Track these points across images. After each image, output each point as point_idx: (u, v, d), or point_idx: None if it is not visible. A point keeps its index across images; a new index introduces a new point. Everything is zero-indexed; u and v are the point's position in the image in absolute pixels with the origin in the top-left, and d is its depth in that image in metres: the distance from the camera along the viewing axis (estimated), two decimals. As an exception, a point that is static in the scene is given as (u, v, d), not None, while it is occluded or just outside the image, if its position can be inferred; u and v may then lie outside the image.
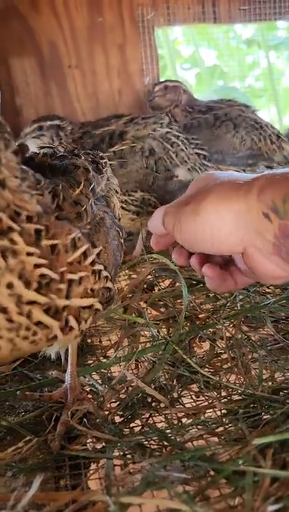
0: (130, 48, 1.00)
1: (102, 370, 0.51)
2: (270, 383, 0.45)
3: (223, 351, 0.52)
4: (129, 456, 0.36)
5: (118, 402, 0.45)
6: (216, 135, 0.93)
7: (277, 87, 1.45)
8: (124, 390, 0.46)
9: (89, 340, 0.57)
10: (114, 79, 1.02)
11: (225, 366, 0.49)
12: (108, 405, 0.44)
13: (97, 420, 0.41)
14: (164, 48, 1.28)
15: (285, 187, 0.31)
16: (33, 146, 0.85)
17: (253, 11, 1.02)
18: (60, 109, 1.00)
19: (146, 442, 0.38)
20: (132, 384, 0.46)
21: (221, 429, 0.39)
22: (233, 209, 0.33)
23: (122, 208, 0.78)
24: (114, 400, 0.45)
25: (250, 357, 0.50)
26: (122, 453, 0.37)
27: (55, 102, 1.01)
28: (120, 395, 0.46)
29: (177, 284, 0.72)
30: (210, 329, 0.57)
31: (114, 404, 0.45)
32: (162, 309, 0.64)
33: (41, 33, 0.97)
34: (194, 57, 1.45)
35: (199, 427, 0.39)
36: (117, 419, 0.43)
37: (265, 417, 0.40)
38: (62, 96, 1.01)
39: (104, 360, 0.52)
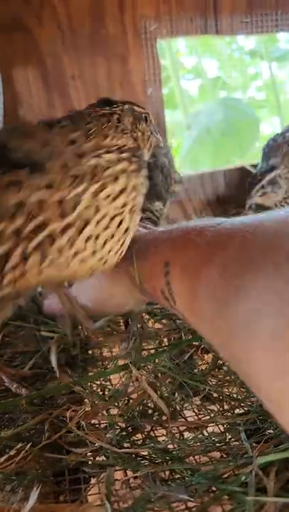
0: (133, 59, 1.01)
1: (103, 382, 0.50)
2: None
3: (226, 363, 0.52)
4: (129, 470, 0.36)
5: (119, 414, 0.44)
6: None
7: (280, 98, 1.45)
8: (125, 402, 0.46)
9: (90, 352, 0.56)
10: (117, 90, 1.02)
11: (228, 378, 0.49)
12: (108, 416, 0.44)
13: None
14: (166, 59, 1.28)
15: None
16: None
17: (254, 23, 1.03)
18: (63, 120, 1.01)
19: (147, 456, 0.37)
20: (132, 396, 0.46)
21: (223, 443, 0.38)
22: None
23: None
24: (114, 413, 0.45)
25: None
26: (122, 467, 0.36)
27: (57, 113, 1.02)
28: (120, 406, 0.45)
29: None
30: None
31: (113, 416, 0.44)
32: (164, 321, 0.63)
33: (44, 44, 0.97)
34: (197, 69, 1.46)
35: (201, 442, 0.38)
36: (118, 431, 0.42)
37: (268, 429, 0.39)
38: (65, 106, 1.01)
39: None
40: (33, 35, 0.96)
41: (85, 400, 0.47)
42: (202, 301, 0.29)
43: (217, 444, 0.38)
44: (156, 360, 0.52)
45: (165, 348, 0.54)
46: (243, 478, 0.31)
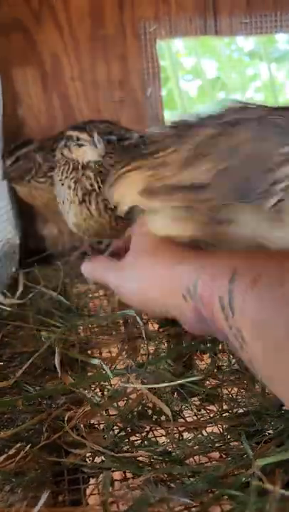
0: (132, 60, 1.01)
1: (102, 383, 0.50)
2: (273, 397, 0.44)
3: (224, 364, 0.52)
4: (128, 471, 0.36)
5: (117, 415, 0.44)
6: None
7: (279, 99, 1.45)
8: (124, 402, 0.46)
9: (89, 352, 0.56)
10: (116, 90, 1.02)
11: (226, 378, 0.49)
12: (106, 417, 0.44)
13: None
14: (166, 60, 1.28)
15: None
16: None
17: (254, 24, 1.03)
18: (61, 121, 1.01)
19: (146, 457, 0.37)
20: (131, 396, 0.46)
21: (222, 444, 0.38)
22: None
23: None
24: (113, 414, 0.45)
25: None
26: (121, 469, 0.36)
27: (57, 113, 1.02)
28: (119, 407, 0.45)
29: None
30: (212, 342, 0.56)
31: (112, 417, 0.44)
32: (164, 322, 0.63)
33: (44, 45, 0.97)
34: (196, 69, 1.46)
35: (201, 442, 0.38)
36: (116, 431, 0.42)
37: (269, 431, 0.39)
38: (64, 107, 1.02)
39: (104, 373, 0.51)
40: (32, 35, 0.97)
41: (84, 400, 0.47)
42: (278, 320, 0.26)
43: (216, 445, 0.38)
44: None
45: (164, 352, 0.54)
46: (243, 479, 0.31)
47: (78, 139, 0.71)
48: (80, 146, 0.71)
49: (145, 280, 0.37)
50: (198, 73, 1.45)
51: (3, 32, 0.95)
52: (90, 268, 0.47)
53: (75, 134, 0.72)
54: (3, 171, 0.89)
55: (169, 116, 1.34)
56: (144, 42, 1.00)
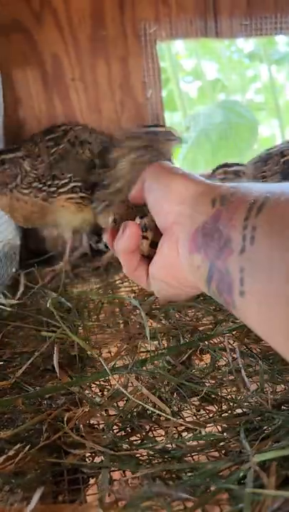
0: (133, 61, 1.01)
1: (102, 383, 0.50)
2: (271, 396, 0.44)
3: (224, 363, 0.52)
4: (127, 469, 0.36)
5: (117, 414, 0.44)
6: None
7: (279, 101, 1.46)
8: (123, 402, 0.46)
9: (89, 352, 0.56)
10: (117, 91, 1.03)
11: (226, 379, 0.49)
12: (106, 417, 0.44)
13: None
14: (166, 61, 1.29)
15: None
16: None
17: (254, 25, 1.03)
18: (62, 121, 1.01)
19: (145, 455, 0.37)
20: (131, 396, 0.46)
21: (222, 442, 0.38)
22: (191, 185, 0.34)
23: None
24: (113, 413, 0.45)
25: (251, 369, 0.50)
26: (120, 468, 0.36)
27: (57, 114, 1.02)
28: (119, 407, 0.45)
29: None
30: (211, 341, 0.57)
31: (112, 417, 0.44)
32: (163, 321, 0.63)
33: (44, 46, 0.98)
34: (196, 71, 1.46)
35: (200, 441, 0.38)
36: (115, 431, 0.42)
37: (267, 430, 0.39)
38: (64, 108, 1.02)
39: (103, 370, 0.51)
40: (32, 36, 0.97)
41: (84, 400, 0.47)
42: None
43: (215, 444, 0.38)
44: (155, 362, 0.52)
45: (163, 350, 0.54)
46: (241, 474, 0.31)
47: None
48: None
49: (166, 186, 0.36)
50: (199, 75, 1.46)
51: (4, 32, 0.95)
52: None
53: None
54: None
55: (169, 117, 1.35)
56: (144, 43, 1.00)
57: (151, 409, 0.43)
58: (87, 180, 0.91)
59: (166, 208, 0.35)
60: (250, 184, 0.31)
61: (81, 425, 0.42)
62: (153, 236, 0.38)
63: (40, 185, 0.86)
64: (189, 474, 0.33)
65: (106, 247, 1.07)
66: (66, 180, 0.89)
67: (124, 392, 0.46)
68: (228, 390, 0.47)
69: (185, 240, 0.33)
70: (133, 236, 0.37)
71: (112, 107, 1.03)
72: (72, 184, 0.89)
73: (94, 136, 0.97)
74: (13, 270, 0.92)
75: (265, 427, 0.39)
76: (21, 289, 0.80)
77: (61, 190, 0.88)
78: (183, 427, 0.42)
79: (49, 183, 0.87)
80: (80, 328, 0.64)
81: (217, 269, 0.29)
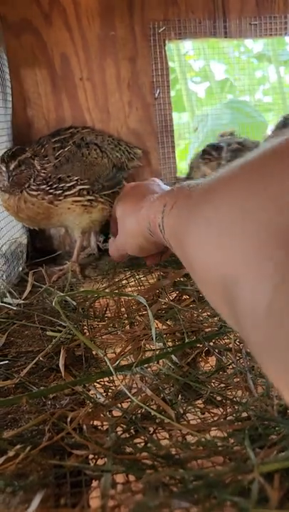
0: (141, 61, 1.01)
1: (107, 383, 0.50)
2: (277, 401, 0.44)
3: (229, 366, 0.51)
4: (130, 473, 0.35)
5: (120, 416, 0.44)
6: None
7: (287, 102, 1.45)
8: (127, 404, 0.45)
9: (94, 352, 0.56)
10: (125, 91, 1.02)
11: (231, 381, 0.49)
12: (110, 418, 0.44)
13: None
14: (175, 62, 1.28)
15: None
16: None
17: (263, 25, 1.03)
18: (70, 121, 1.01)
19: (149, 459, 0.37)
20: (135, 397, 0.46)
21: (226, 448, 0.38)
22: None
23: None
24: (117, 414, 0.44)
25: (258, 372, 0.49)
26: (123, 471, 0.36)
27: (66, 114, 1.02)
28: (123, 409, 0.45)
29: (184, 296, 0.72)
30: (217, 342, 0.56)
31: (116, 418, 0.44)
32: (169, 322, 0.63)
33: (53, 46, 0.98)
34: (205, 71, 1.46)
35: (204, 446, 0.38)
36: (119, 432, 0.42)
37: (272, 436, 0.39)
38: (73, 108, 1.02)
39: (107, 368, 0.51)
40: (42, 36, 0.97)
41: (88, 400, 0.47)
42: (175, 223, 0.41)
43: (220, 449, 0.38)
44: (160, 362, 0.52)
45: (168, 349, 0.54)
46: (245, 485, 0.30)
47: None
48: None
49: (123, 233, 0.59)
50: (207, 75, 1.45)
51: (14, 32, 0.95)
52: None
53: None
54: (8, 175, 0.82)
55: (177, 117, 1.34)
56: (153, 43, 1.00)
57: (155, 412, 0.43)
58: (95, 182, 0.91)
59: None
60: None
61: (84, 426, 0.42)
62: None
63: (48, 188, 0.86)
64: (194, 482, 0.33)
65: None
66: (72, 183, 0.88)
67: (128, 393, 0.46)
68: (234, 393, 0.47)
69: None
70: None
71: (120, 107, 1.03)
72: (78, 187, 0.89)
73: (100, 137, 0.96)
74: (20, 269, 0.92)
75: (270, 432, 0.39)
76: (29, 288, 0.80)
77: (67, 193, 0.87)
78: (187, 431, 0.41)
79: (55, 185, 0.86)
80: (85, 328, 0.64)
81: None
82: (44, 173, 0.86)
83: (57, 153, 0.89)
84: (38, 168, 0.86)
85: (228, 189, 0.30)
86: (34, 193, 0.85)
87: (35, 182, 0.85)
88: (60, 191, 0.87)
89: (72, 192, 0.88)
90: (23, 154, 0.85)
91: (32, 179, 0.85)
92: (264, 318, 0.22)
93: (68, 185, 0.88)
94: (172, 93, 1.06)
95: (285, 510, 0.28)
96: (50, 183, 0.86)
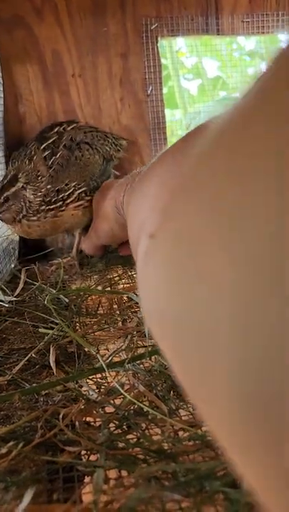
0: (133, 58, 1.01)
1: (99, 380, 0.50)
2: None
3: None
4: (122, 468, 0.36)
5: (113, 412, 0.44)
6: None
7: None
8: (120, 401, 0.46)
9: (86, 349, 0.56)
10: (117, 88, 1.02)
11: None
12: (103, 414, 0.44)
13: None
14: (167, 58, 1.28)
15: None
16: None
17: (255, 23, 1.03)
18: (62, 117, 1.01)
19: (141, 455, 0.37)
20: (128, 394, 0.46)
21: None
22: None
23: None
24: (109, 411, 0.45)
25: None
26: (116, 467, 0.36)
27: (58, 111, 1.02)
28: (115, 405, 0.45)
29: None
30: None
31: (108, 415, 0.44)
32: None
33: (45, 42, 0.97)
34: (197, 68, 1.46)
35: (197, 441, 0.38)
36: (112, 428, 0.42)
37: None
38: (65, 104, 1.01)
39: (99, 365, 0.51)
40: (33, 32, 0.96)
41: (80, 397, 0.47)
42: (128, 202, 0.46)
43: (212, 443, 0.38)
44: (152, 358, 0.52)
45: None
46: (237, 476, 0.31)
47: None
48: None
49: (97, 219, 0.66)
50: (199, 72, 1.45)
51: (5, 28, 0.95)
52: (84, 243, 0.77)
53: None
54: None
55: (170, 114, 1.34)
56: (145, 40, 1.00)
57: (147, 408, 0.43)
58: (90, 182, 0.91)
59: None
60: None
61: (77, 422, 0.42)
62: None
63: (48, 207, 0.85)
64: (185, 475, 0.33)
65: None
66: (71, 190, 0.87)
67: (120, 389, 0.46)
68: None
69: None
70: None
71: (112, 103, 1.03)
72: (77, 192, 0.88)
73: (90, 135, 0.95)
74: (12, 266, 0.92)
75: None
76: (21, 285, 0.80)
77: (68, 200, 0.87)
78: (180, 426, 0.41)
79: (54, 199, 0.85)
80: (77, 324, 0.64)
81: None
82: (39, 196, 0.84)
83: (49, 162, 0.86)
84: (31, 197, 0.84)
85: (154, 167, 0.36)
86: (34, 218, 0.84)
87: (30, 211, 0.84)
88: (60, 202, 0.86)
89: (72, 199, 0.87)
90: (12, 187, 0.83)
91: (24, 210, 0.84)
92: (139, 261, 0.24)
93: (68, 193, 0.87)
94: (164, 90, 1.06)
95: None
96: (48, 200, 0.85)
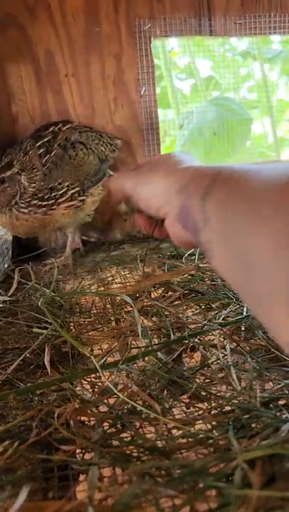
0: (126, 58, 1.01)
1: (93, 379, 0.51)
2: (260, 394, 0.45)
3: (213, 361, 0.52)
4: (117, 466, 0.36)
5: (107, 411, 0.44)
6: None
7: (271, 99, 1.46)
8: (114, 400, 0.46)
9: (80, 349, 0.57)
10: (110, 88, 1.03)
11: (215, 376, 0.50)
12: (97, 413, 0.44)
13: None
14: (160, 59, 1.29)
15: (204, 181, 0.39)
16: None
17: (248, 24, 1.03)
18: (56, 117, 1.01)
19: (135, 452, 0.38)
20: (121, 393, 0.46)
21: (210, 439, 0.39)
22: (163, 183, 0.45)
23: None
24: (103, 411, 0.45)
25: (241, 367, 0.50)
26: (110, 464, 0.37)
27: (51, 110, 1.02)
28: (109, 404, 0.46)
29: (170, 292, 0.73)
30: (202, 338, 0.57)
31: (102, 414, 0.44)
32: (154, 319, 0.64)
33: (38, 41, 0.97)
34: (190, 68, 1.46)
35: (190, 439, 0.39)
36: (106, 427, 0.43)
37: (255, 427, 0.40)
38: (58, 104, 1.02)
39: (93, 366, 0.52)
40: (26, 31, 0.96)
41: (75, 397, 0.47)
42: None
43: (204, 440, 0.39)
44: (146, 358, 0.53)
45: (154, 346, 0.55)
46: (229, 472, 0.31)
47: None
48: None
49: (150, 185, 0.48)
50: (192, 72, 1.46)
51: (-2, 27, 0.95)
52: (114, 180, 0.56)
53: None
54: None
55: (162, 114, 1.35)
56: (138, 40, 1.00)
57: (141, 407, 0.44)
58: (84, 181, 0.91)
59: (154, 203, 0.46)
60: (203, 167, 0.42)
61: (71, 421, 0.42)
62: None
63: (39, 202, 0.85)
64: (178, 471, 0.34)
65: (99, 239, 1.08)
66: (64, 190, 0.87)
67: (114, 389, 0.46)
68: (218, 388, 0.48)
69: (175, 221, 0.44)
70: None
71: (105, 103, 1.03)
72: (70, 192, 0.88)
73: (85, 134, 0.96)
74: (6, 266, 0.92)
75: (254, 425, 0.40)
76: (15, 285, 0.80)
77: (60, 200, 0.87)
78: (173, 424, 0.42)
79: (47, 196, 0.85)
80: (71, 324, 0.64)
81: (198, 241, 0.40)
82: (33, 187, 0.85)
83: (44, 160, 0.87)
84: (26, 184, 0.84)
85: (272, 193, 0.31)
86: (25, 210, 0.84)
87: (23, 199, 0.84)
88: (52, 201, 0.86)
89: (64, 198, 0.87)
90: (8, 171, 0.83)
91: (18, 196, 0.84)
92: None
93: (60, 192, 0.87)
94: (157, 90, 1.06)
95: (265, 491, 0.29)
96: (41, 196, 0.85)
